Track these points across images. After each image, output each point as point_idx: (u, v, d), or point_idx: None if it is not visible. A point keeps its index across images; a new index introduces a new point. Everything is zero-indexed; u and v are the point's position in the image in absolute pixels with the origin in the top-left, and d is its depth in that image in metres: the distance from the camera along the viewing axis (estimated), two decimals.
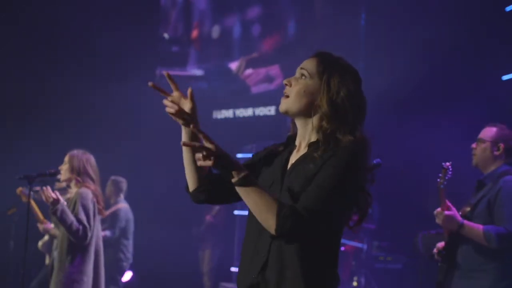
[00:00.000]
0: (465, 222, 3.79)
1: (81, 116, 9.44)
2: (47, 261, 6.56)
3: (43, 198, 4.79)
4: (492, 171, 3.96)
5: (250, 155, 2.60)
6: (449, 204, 3.83)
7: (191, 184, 2.43)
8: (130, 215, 7.71)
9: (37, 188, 7.09)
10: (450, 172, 3.94)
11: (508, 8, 6.79)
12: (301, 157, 2.33)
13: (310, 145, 2.32)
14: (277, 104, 2.37)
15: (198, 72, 10.38)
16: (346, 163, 2.19)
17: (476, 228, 3.76)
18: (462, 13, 6.95)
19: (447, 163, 3.93)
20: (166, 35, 10.66)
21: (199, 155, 2.14)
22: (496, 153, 3.96)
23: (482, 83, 6.73)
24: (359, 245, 7.19)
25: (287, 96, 2.35)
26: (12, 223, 7.71)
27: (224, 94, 9.69)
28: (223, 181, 2.33)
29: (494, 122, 4.05)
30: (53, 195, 4.63)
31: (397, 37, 7.51)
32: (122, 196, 7.79)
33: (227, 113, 9.72)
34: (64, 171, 4.96)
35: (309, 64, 2.36)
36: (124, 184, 7.83)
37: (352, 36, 8.36)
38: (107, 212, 7.46)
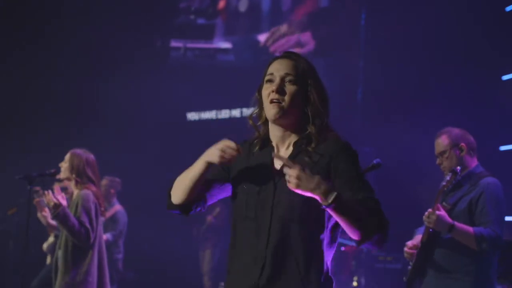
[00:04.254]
0: (456, 223, 3.76)
1: (82, 116, 9.44)
2: (48, 261, 6.56)
3: (45, 201, 4.79)
4: (469, 172, 3.93)
5: None
6: (440, 206, 3.82)
7: (182, 199, 2.45)
8: (126, 217, 7.60)
9: (37, 188, 7.10)
10: (459, 176, 3.90)
11: (508, 8, 6.81)
12: (290, 156, 2.35)
13: (295, 144, 2.37)
14: None
15: (225, 44, 10.14)
16: (356, 164, 2.32)
17: (466, 230, 3.74)
18: (462, 13, 6.96)
19: (458, 167, 3.89)
20: (192, 8, 10.42)
21: None
22: (461, 154, 3.93)
23: (482, 83, 6.73)
24: None
25: (280, 103, 2.34)
26: (12, 223, 7.73)
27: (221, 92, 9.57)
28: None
29: (447, 131, 3.97)
30: (55, 199, 4.63)
31: (397, 37, 7.51)
32: (115, 197, 7.62)
33: (233, 113, 9.64)
34: (64, 169, 4.97)
35: (289, 68, 2.38)
36: (119, 184, 7.67)
37: (352, 36, 8.36)
38: (107, 215, 7.39)
